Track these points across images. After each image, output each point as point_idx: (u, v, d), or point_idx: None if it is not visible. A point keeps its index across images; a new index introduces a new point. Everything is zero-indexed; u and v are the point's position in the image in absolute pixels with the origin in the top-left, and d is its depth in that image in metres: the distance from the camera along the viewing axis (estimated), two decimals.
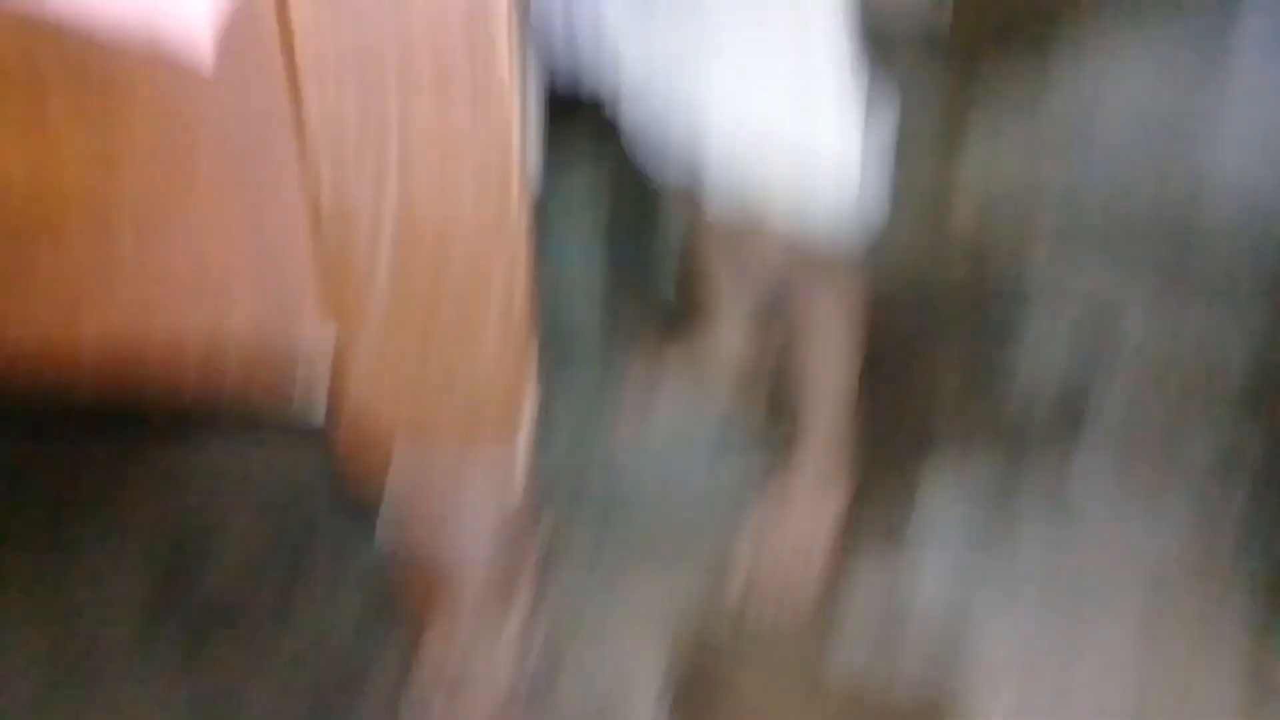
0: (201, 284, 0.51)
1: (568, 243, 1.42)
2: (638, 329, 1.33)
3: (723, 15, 0.85)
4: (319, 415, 0.57)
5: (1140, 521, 1.17)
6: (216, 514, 1.20)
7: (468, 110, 0.44)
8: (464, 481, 0.60)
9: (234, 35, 0.45)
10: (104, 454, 1.24)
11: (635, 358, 1.27)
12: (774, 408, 1.21)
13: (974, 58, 1.71)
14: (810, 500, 1.12)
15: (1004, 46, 1.74)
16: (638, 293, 1.38)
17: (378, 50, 0.44)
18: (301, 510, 1.20)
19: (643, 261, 1.39)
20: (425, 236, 0.49)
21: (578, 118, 0.97)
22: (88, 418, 1.10)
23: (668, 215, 1.10)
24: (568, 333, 1.35)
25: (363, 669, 1.06)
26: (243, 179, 0.49)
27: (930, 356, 1.33)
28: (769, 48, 0.86)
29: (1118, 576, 1.13)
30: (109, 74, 0.46)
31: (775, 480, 1.15)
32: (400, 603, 0.78)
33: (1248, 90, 1.75)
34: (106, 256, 0.50)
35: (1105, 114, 1.67)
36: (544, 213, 0.56)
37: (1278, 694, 1.03)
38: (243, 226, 0.50)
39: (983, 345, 1.34)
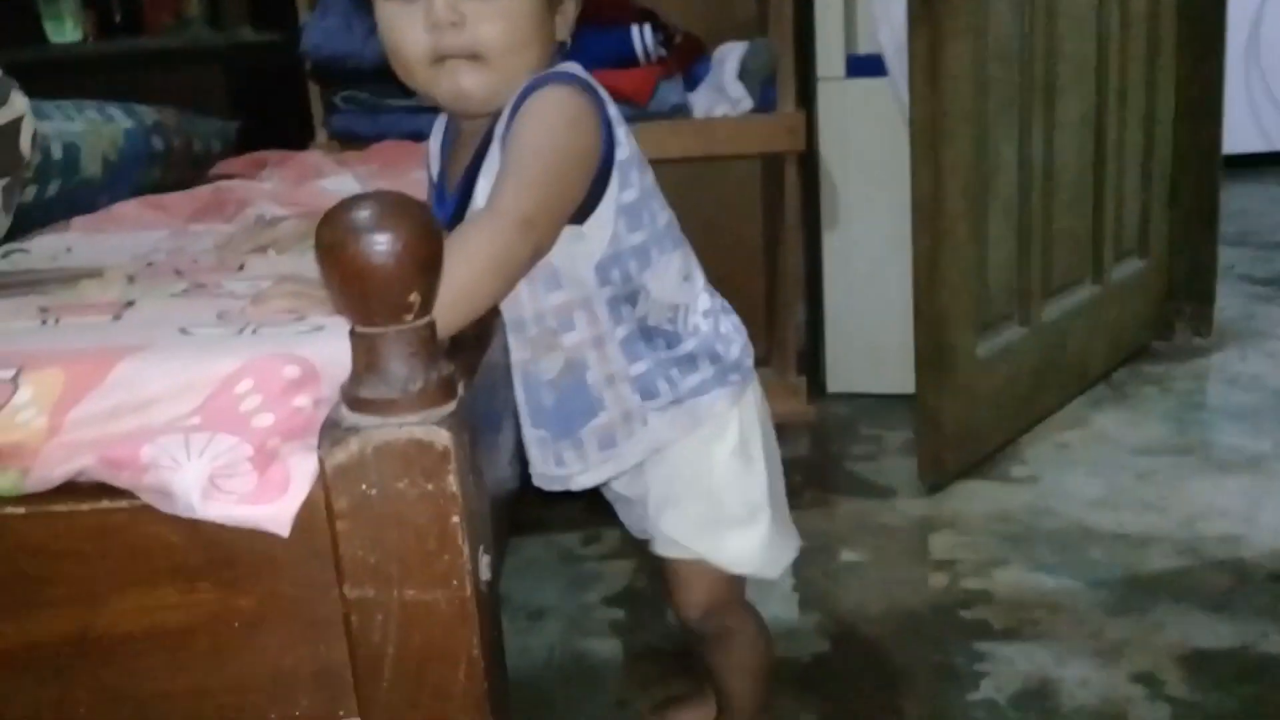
0: (270, 682, 0.74)
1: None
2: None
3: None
4: None
5: None
6: None
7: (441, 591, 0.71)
8: None
9: (301, 516, 0.72)
10: None
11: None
12: None
13: None
14: None
15: None
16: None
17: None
18: None
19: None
20: (414, 641, 0.73)
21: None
22: None
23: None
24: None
25: None
26: (306, 605, 0.76)
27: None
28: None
29: None
30: (227, 548, 0.74)
31: None
32: None
33: None
34: (210, 663, 0.75)
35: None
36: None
37: None
38: (303, 641, 0.75)
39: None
